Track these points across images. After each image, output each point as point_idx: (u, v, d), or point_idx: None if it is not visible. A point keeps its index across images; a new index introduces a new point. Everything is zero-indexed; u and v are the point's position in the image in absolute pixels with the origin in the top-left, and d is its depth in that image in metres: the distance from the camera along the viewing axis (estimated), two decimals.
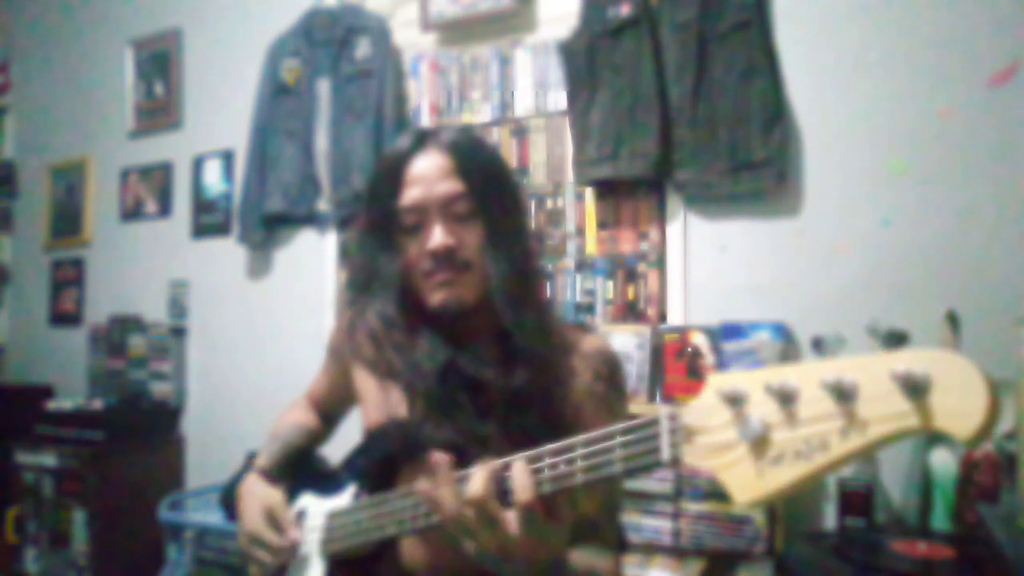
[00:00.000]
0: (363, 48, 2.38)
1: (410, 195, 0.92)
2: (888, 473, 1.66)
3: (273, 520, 0.99)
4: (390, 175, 0.94)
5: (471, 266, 0.92)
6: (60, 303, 3.20)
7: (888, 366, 0.48)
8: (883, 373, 0.48)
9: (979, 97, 1.65)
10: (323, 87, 2.44)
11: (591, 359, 0.97)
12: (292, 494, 1.05)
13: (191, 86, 2.88)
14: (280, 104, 2.52)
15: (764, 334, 1.75)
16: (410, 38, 2.36)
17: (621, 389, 1.00)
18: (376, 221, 0.96)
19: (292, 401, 1.26)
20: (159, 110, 2.94)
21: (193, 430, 2.78)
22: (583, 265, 2.08)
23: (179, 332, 2.79)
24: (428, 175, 0.92)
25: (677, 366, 1.86)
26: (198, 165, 2.81)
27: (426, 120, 2.30)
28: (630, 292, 2.00)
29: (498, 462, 0.71)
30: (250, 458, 1.13)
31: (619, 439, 0.64)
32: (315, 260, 2.51)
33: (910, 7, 1.73)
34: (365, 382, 1.02)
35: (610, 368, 0.98)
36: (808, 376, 0.52)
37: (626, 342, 1.91)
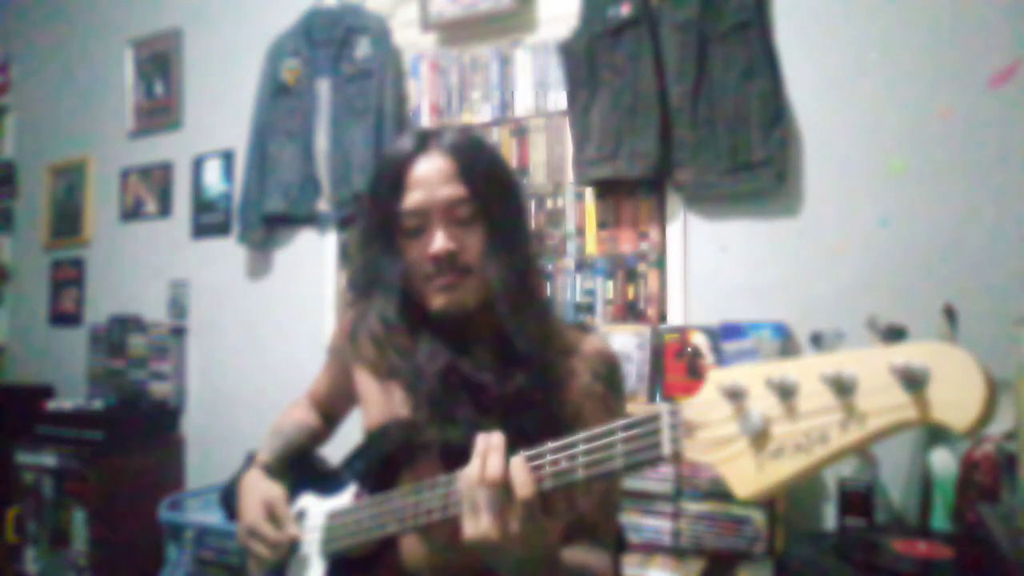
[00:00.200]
0: (363, 48, 2.38)
1: (412, 199, 0.92)
2: (888, 473, 1.66)
3: (272, 514, 0.99)
4: (392, 177, 0.94)
5: (472, 270, 0.92)
6: (60, 303, 3.20)
7: (887, 359, 0.48)
8: (882, 366, 0.48)
9: (979, 97, 1.65)
10: (323, 87, 2.44)
11: (591, 360, 0.97)
12: (292, 494, 1.04)
13: (191, 86, 2.88)
14: (280, 104, 2.52)
15: (764, 334, 1.75)
16: (410, 38, 2.36)
17: (620, 390, 1.01)
18: (377, 223, 0.96)
19: (293, 401, 1.26)
20: (159, 110, 2.94)
21: (193, 430, 2.77)
22: (583, 265, 2.08)
23: (179, 332, 2.79)
24: (430, 178, 0.92)
25: (677, 366, 1.86)
26: (198, 165, 2.82)
27: (426, 120, 2.30)
28: (630, 292, 2.00)
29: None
30: (250, 458, 1.13)
31: (620, 435, 0.64)
32: (315, 260, 2.51)
33: (910, 7, 1.73)
34: (366, 383, 1.03)
35: (609, 369, 0.99)
36: (808, 370, 0.52)
37: (626, 342, 1.91)
